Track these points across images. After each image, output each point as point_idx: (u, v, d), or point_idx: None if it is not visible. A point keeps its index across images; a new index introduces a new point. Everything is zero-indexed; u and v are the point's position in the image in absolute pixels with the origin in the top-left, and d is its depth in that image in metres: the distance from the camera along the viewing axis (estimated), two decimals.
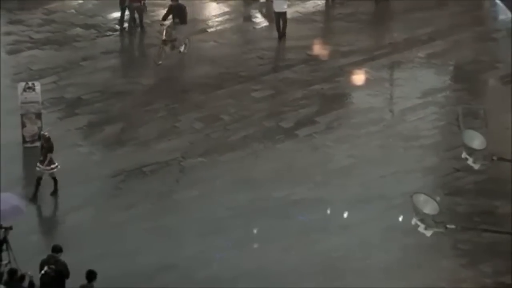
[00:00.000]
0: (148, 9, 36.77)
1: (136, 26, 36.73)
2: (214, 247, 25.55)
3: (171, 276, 24.42)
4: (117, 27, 36.55)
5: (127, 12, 36.10)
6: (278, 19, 36.26)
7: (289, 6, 36.67)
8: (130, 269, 24.44)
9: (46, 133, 26.74)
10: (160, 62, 33.57)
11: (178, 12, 34.54)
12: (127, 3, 36.47)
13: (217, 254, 25.36)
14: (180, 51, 34.26)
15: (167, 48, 33.93)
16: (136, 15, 36.55)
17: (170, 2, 34.82)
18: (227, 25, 37.07)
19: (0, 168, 27.56)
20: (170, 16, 34.35)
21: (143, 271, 24.43)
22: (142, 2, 36.42)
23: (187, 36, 34.68)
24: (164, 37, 33.86)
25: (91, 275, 22.22)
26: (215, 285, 24.27)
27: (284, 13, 36.27)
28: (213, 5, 37.98)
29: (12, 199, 24.01)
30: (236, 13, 37.76)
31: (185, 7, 34.69)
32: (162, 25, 34.76)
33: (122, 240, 25.62)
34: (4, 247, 23.90)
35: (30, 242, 24.04)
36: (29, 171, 28.40)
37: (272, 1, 36.31)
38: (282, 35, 36.20)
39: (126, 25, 36.66)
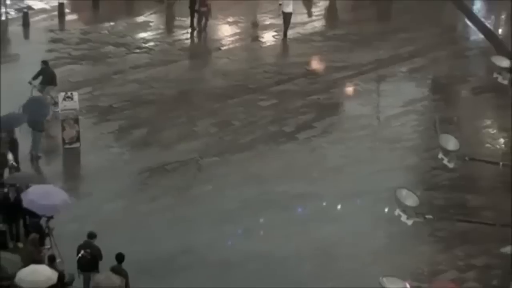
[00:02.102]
0: None
1: (203, 27, 37.28)
2: (226, 234, 25.49)
3: (188, 259, 24.34)
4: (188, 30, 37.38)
5: None
6: (285, 18, 36.97)
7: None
8: (153, 253, 24.34)
9: None
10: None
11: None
12: (197, 7, 36.87)
13: (228, 240, 25.31)
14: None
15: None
16: (203, 19, 37.12)
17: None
18: (237, 44, 36.95)
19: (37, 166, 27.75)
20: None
21: (164, 254, 24.34)
22: (208, 7, 36.84)
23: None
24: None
25: (120, 258, 22.14)
26: (226, 267, 24.18)
27: (290, 13, 36.87)
28: (226, 27, 37.84)
29: (60, 193, 23.88)
30: (245, 34, 37.66)
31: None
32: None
33: (147, 227, 25.53)
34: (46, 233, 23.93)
35: (69, 230, 23.91)
36: (69, 168, 28.49)
37: (280, 3, 36.97)
38: (285, 33, 37.05)
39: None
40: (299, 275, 23.87)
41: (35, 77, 30.47)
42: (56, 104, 29.75)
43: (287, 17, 37.08)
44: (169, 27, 38.36)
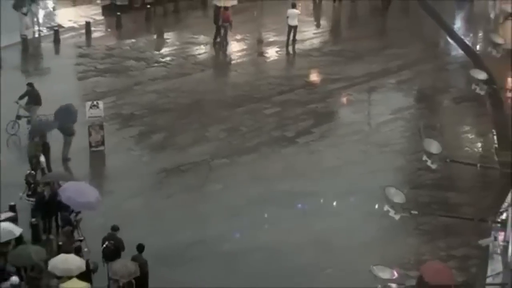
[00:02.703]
0: None
1: (223, 38, 37.37)
2: (234, 227, 25.45)
3: (200, 249, 24.29)
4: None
5: None
6: (290, 31, 37.22)
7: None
8: (169, 244, 24.34)
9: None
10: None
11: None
12: (220, 22, 36.90)
13: (236, 233, 25.27)
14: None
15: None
16: (223, 31, 37.21)
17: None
18: (245, 59, 36.97)
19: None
20: None
21: (179, 245, 24.34)
22: (230, 21, 36.89)
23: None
24: None
25: (140, 248, 22.17)
26: (234, 256, 24.18)
27: (296, 26, 37.07)
28: (235, 43, 37.87)
29: (94, 191, 23.88)
30: (252, 50, 37.65)
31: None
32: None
33: (163, 221, 25.52)
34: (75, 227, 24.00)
35: (95, 223, 23.92)
36: (94, 168, 28.50)
37: (287, 17, 37.01)
38: (293, 42, 37.18)
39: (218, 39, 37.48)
40: (299, 263, 23.84)
41: (21, 97, 29.65)
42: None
43: (292, 29, 37.33)
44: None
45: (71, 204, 23.47)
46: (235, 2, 37.73)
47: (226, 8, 37.13)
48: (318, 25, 40.66)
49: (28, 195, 24.82)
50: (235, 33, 38.08)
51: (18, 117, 29.51)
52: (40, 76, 34.61)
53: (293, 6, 37.50)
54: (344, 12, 41.75)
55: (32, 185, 24.87)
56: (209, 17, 39.76)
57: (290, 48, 37.65)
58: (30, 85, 29.94)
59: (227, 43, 37.38)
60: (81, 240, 23.34)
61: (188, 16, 39.78)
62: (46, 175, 26.05)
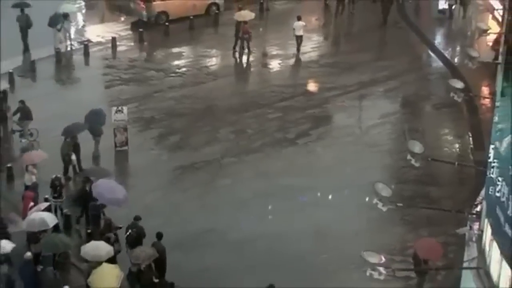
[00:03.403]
0: None
1: (244, 50, 37.20)
2: (241, 217, 25.52)
3: (211, 237, 24.41)
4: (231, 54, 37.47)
5: None
6: (297, 40, 37.24)
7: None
8: (184, 232, 24.47)
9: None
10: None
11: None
12: (240, 34, 36.82)
13: (243, 222, 25.29)
14: None
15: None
16: (243, 42, 37.08)
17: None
18: (252, 70, 36.96)
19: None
20: None
21: (192, 233, 24.47)
22: (249, 34, 36.80)
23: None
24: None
25: (159, 235, 22.22)
26: (241, 243, 24.19)
27: (301, 36, 37.15)
28: (242, 57, 37.85)
29: (122, 189, 23.95)
30: (257, 62, 37.52)
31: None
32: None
33: (179, 212, 25.62)
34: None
35: (119, 214, 23.95)
36: (119, 166, 28.53)
37: (294, 28, 37.09)
38: (298, 50, 37.27)
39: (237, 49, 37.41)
40: (299, 249, 23.89)
41: (14, 113, 29.15)
42: (31, 135, 28.66)
43: (299, 39, 37.36)
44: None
45: (102, 200, 23.49)
46: (252, 17, 37.72)
47: (245, 22, 37.16)
48: (326, 38, 40.60)
49: (54, 197, 24.68)
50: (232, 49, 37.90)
51: (13, 131, 29.03)
52: (71, 85, 34.77)
53: (299, 19, 37.56)
54: (339, 29, 41.63)
55: (58, 188, 24.73)
56: (220, 33, 39.84)
57: (297, 54, 37.72)
58: (21, 102, 29.27)
59: (249, 52, 37.30)
60: (119, 228, 23.34)
61: (201, 32, 39.70)
62: (87, 170, 26.06)
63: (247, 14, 37.51)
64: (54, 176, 24.88)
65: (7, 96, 30.32)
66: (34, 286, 21.19)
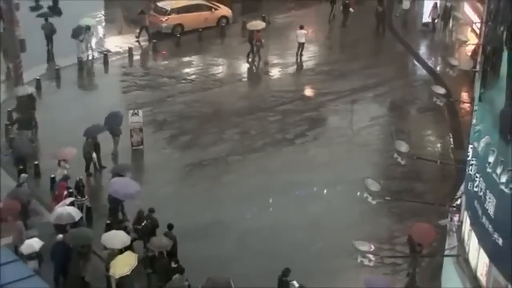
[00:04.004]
0: None
1: (255, 55, 37.16)
2: (245, 210, 25.52)
3: (217, 227, 24.41)
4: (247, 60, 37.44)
5: None
6: (299, 47, 37.37)
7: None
8: (193, 223, 24.44)
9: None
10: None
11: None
12: (254, 42, 36.80)
13: (246, 214, 25.29)
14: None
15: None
16: (255, 49, 37.13)
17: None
18: (255, 76, 36.90)
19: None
20: None
21: (200, 224, 24.47)
22: (261, 41, 36.86)
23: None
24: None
25: (170, 226, 22.24)
26: (245, 233, 24.19)
27: (303, 43, 37.37)
28: (246, 64, 37.79)
29: (135, 185, 24.03)
30: (250, 74, 37.41)
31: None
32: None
33: (189, 205, 25.60)
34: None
35: (135, 206, 23.93)
36: (135, 163, 28.44)
37: (297, 36, 37.21)
38: (301, 56, 37.33)
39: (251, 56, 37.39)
40: (296, 239, 23.89)
41: (13, 123, 28.86)
42: (32, 141, 28.32)
43: (300, 45, 37.48)
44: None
45: (117, 195, 23.61)
46: (263, 26, 37.82)
47: (258, 30, 37.24)
48: (330, 47, 40.57)
49: (78, 197, 24.55)
50: (245, 57, 37.97)
51: (12, 139, 28.31)
52: (92, 90, 34.78)
53: (301, 28, 37.73)
54: (333, 40, 41.58)
55: (81, 188, 24.70)
56: (226, 44, 39.82)
57: (299, 59, 37.76)
58: (20, 113, 28.90)
59: (260, 58, 37.27)
60: (127, 220, 23.48)
61: (209, 43, 39.68)
62: (115, 167, 26.06)
63: (259, 24, 37.67)
64: (78, 178, 24.92)
65: (34, 100, 30.31)
66: (64, 264, 21.41)
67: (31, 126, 28.96)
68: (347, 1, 41.79)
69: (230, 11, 41.68)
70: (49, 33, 36.77)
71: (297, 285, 20.40)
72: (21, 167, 25.90)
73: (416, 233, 21.94)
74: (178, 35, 39.25)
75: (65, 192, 23.93)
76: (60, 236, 21.58)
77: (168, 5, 40.36)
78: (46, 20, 37.42)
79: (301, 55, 37.68)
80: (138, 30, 39.15)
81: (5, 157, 27.40)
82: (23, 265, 19.61)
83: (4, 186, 24.81)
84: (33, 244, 21.07)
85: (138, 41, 38.82)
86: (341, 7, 42.08)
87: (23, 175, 24.81)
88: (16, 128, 28.83)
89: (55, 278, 21.42)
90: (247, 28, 37.73)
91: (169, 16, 39.77)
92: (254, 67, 37.33)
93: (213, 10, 41.17)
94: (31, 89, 30.64)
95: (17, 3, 36.83)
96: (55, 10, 41.38)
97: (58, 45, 36.82)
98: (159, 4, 40.59)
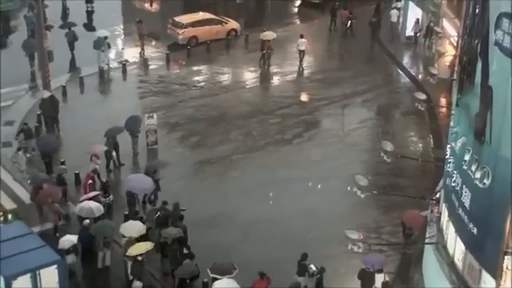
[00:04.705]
0: None
1: (265, 62, 37.15)
2: (247, 203, 25.50)
3: (222, 219, 24.44)
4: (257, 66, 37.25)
5: None
6: (300, 54, 37.37)
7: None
8: (201, 214, 24.43)
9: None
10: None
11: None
12: (265, 50, 36.78)
13: (248, 207, 25.28)
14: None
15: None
16: (266, 56, 37.06)
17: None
18: (256, 84, 36.82)
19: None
20: None
21: (206, 216, 24.45)
22: (272, 49, 36.93)
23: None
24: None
25: (181, 217, 22.22)
26: (247, 224, 24.18)
27: (304, 51, 37.38)
28: (248, 73, 37.75)
29: (149, 180, 24.10)
30: (261, 77, 37.43)
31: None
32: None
33: (197, 198, 25.55)
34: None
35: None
36: (151, 161, 28.33)
37: (297, 44, 37.37)
38: (301, 61, 37.35)
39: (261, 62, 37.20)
40: (293, 229, 23.91)
41: (18, 134, 28.11)
42: (33, 149, 27.39)
43: (301, 53, 37.49)
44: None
45: (134, 190, 23.71)
46: (274, 36, 37.75)
47: (269, 40, 37.22)
48: (325, 58, 40.47)
49: (105, 197, 24.39)
50: (249, 66, 37.84)
51: (19, 148, 27.79)
52: (112, 96, 34.73)
53: (301, 37, 37.71)
54: (327, 51, 41.52)
55: (107, 188, 24.64)
56: (231, 55, 39.74)
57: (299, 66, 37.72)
58: (25, 124, 28.31)
59: (269, 64, 37.31)
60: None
61: (217, 54, 39.62)
62: (150, 164, 26.13)
63: (270, 34, 37.62)
64: (105, 180, 24.89)
65: (56, 103, 30.10)
66: (90, 246, 21.73)
67: (33, 136, 27.90)
68: (350, 14, 41.69)
69: (238, 25, 41.68)
70: (72, 40, 37.22)
71: (314, 268, 20.33)
72: (47, 160, 26.02)
73: (408, 219, 22.07)
74: (189, 47, 39.24)
75: (90, 181, 24.16)
76: (87, 221, 21.83)
77: (184, 19, 40.40)
78: (69, 29, 37.82)
79: (301, 62, 37.72)
80: (140, 39, 38.72)
81: (32, 157, 27.41)
82: (36, 236, 19.52)
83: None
84: (71, 238, 21.15)
85: (142, 50, 38.47)
86: (342, 18, 41.86)
87: (62, 166, 25.33)
88: (23, 138, 27.72)
89: (82, 257, 21.60)
90: (260, 38, 37.53)
91: (185, 29, 39.80)
92: (264, 72, 37.21)
93: (223, 23, 41.14)
94: (46, 93, 30.56)
95: (51, 25, 37.27)
96: (90, 27, 41.80)
97: (81, 56, 36.84)
98: (176, 18, 40.60)
